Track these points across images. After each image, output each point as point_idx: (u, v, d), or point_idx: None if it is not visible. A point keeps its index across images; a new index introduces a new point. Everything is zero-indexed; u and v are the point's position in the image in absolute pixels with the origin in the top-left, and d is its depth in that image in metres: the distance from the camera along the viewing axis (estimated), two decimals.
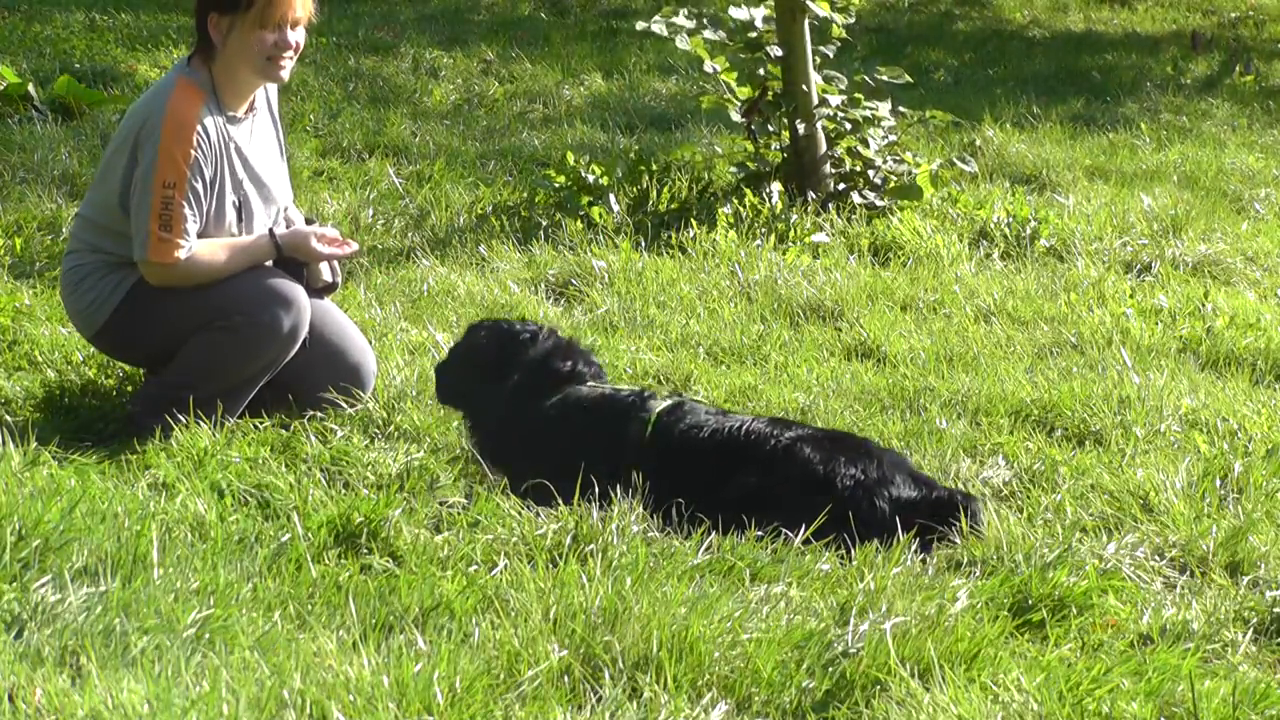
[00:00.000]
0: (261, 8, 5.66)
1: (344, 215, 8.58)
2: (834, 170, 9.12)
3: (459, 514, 5.05)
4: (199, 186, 5.64)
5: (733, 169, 9.29)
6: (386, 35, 13.63)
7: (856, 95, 9.09)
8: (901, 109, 9.38)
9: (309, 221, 6.06)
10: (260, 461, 5.41)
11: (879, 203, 9.01)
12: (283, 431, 5.72)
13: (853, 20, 9.32)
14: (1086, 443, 6.05)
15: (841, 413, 6.18)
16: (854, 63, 10.61)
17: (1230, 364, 7.09)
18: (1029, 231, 8.81)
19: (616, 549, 4.74)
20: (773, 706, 4.09)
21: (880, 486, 5.08)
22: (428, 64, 12.65)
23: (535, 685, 4.02)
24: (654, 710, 3.99)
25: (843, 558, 4.88)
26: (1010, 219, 8.92)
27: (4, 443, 5.12)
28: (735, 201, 8.83)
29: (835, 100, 9.00)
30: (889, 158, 9.14)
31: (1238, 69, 14.52)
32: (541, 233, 8.41)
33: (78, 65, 11.37)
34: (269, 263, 5.83)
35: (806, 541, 4.92)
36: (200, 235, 5.70)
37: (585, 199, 8.70)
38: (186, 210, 5.61)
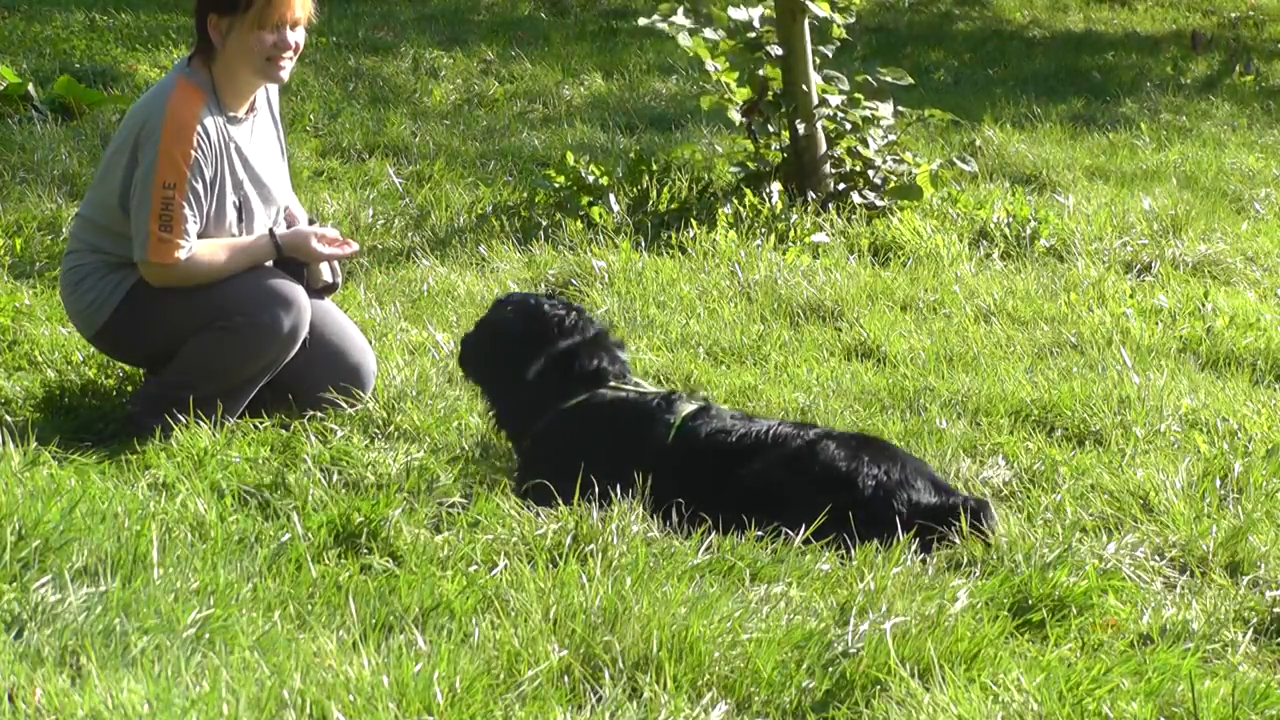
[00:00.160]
0: (260, 9, 5.66)
1: (344, 215, 8.58)
2: (834, 170, 9.11)
3: (459, 514, 5.05)
4: (199, 187, 5.64)
5: (733, 169, 9.28)
6: (386, 35, 13.62)
7: (856, 95, 9.09)
8: (901, 109, 9.38)
9: (310, 221, 6.06)
10: (260, 461, 5.41)
11: (879, 203, 9.00)
12: (283, 431, 5.72)
13: (853, 20, 9.31)
14: (1086, 443, 6.05)
15: (841, 413, 6.18)
16: (854, 63, 10.62)
17: (1230, 364, 7.09)
18: (1029, 231, 8.81)
19: (616, 549, 4.74)
20: (773, 706, 4.09)
21: (901, 489, 5.08)
22: (428, 64, 12.64)
23: (535, 685, 4.02)
24: (654, 710, 3.99)
25: (843, 558, 4.88)
26: (1010, 219, 8.92)
27: (4, 443, 5.12)
28: (735, 201, 8.82)
29: (835, 100, 9.00)
30: (889, 158, 9.14)
31: (1238, 69, 14.51)
32: (541, 233, 8.41)
33: (78, 65, 11.36)
34: (269, 263, 5.83)
35: (807, 541, 4.92)
36: (200, 235, 5.70)
37: (585, 199, 8.70)
38: (186, 211, 5.61)
